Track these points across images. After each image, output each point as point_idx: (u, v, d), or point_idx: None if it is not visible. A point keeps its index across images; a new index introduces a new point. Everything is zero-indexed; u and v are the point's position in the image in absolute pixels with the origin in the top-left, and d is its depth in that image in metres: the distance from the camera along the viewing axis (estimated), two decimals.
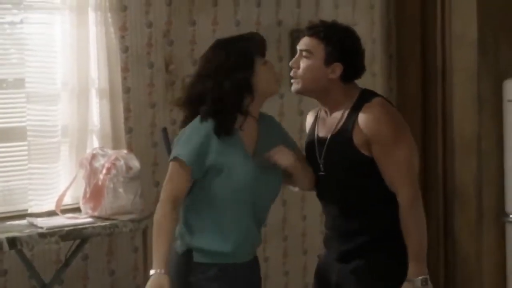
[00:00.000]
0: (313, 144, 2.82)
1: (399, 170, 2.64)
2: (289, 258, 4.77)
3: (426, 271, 2.64)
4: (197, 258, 2.65)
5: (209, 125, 2.62)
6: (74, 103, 3.88)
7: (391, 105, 2.79)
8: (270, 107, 4.50)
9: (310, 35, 2.73)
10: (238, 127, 2.65)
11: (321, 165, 2.77)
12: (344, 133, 2.71)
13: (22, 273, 3.79)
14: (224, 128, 2.62)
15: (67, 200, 3.86)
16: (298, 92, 2.77)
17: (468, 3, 4.05)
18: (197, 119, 2.66)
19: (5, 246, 3.33)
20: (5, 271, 3.82)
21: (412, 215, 2.64)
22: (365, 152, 2.68)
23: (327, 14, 4.76)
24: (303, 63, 2.71)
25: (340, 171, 2.73)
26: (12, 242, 3.35)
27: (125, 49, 4.10)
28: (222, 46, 2.69)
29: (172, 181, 2.64)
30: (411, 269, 2.61)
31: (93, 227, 3.55)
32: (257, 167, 2.65)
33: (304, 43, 2.75)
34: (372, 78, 4.99)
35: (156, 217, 2.62)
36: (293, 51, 4.63)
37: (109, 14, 3.92)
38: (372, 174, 2.68)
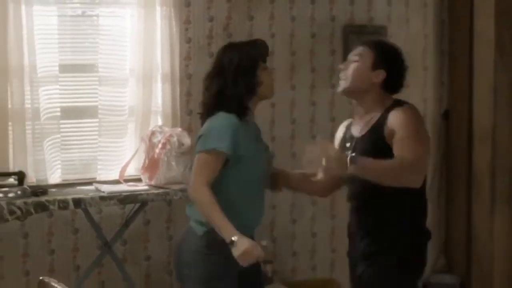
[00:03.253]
0: (344, 143, 3.11)
1: (412, 149, 2.81)
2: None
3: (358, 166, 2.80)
4: (218, 236, 2.91)
5: (235, 121, 2.97)
6: (140, 86, 4.37)
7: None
8: (322, 96, 4.94)
9: (363, 44, 3.07)
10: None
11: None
12: (376, 131, 2.96)
13: (91, 233, 4.34)
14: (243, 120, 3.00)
15: (131, 171, 4.37)
16: (344, 90, 3.07)
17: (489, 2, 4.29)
18: (222, 113, 2.99)
19: (71, 205, 3.87)
20: (77, 230, 4.42)
21: (397, 170, 2.80)
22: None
23: (380, 11, 5.09)
24: (352, 66, 3.03)
25: None
26: (77, 202, 3.88)
27: (188, 40, 4.57)
28: (234, 49, 3.06)
29: (209, 169, 2.93)
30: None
31: (147, 194, 4.03)
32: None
33: (355, 51, 3.08)
34: (424, 72, 5.26)
35: (204, 199, 2.91)
36: (345, 46, 4.93)
37: (172, 9, 4.41)
38: None
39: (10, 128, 4.12)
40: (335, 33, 4.97)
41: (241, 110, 3.02)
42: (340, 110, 4.99)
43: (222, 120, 2.99)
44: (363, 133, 3.03)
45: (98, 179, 4.34)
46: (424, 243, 3.07)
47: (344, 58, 4.96)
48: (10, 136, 4.13)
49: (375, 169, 2.83)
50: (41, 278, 2.91)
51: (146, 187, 4.13)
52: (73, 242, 4.42)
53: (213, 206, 2.91)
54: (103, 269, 4.46)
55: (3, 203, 3.75)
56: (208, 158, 2.96)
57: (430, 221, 5.15)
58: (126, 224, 4.30)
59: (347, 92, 3.08)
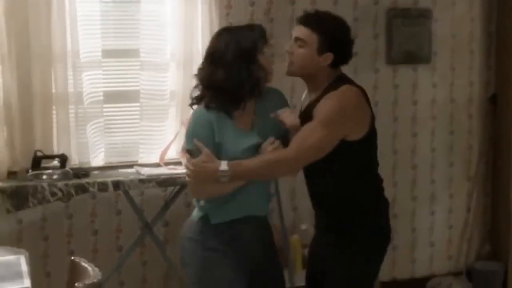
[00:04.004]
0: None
1: (303, 139, 2.85)
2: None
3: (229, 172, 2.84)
4: (214, 220, 2.94)
5: (209, 113, 2.90)
6: (181, 71, 4.42)
7: (360, 97, 2.94)
8: (365, 80, 4.92)
9: (305, 25, 2.96)
10: (235, 109, 2.91)
11: None
12: (306, 113, 2.98)
13: (133, 214, 4.41)
14: (227, 110, 2.90)
15: (173, 154, 4.44)
16: (290, 74, 3.04)
17: None
18: (198, 110, 2.95)
19: (110, 187, 4.00)
20: (119, 211, 4.53)
21: (272, 163, 2.86)
22: None
23: None
24: (297, 51, 2.96)
25: None
26: (116, 184, 4.00)
27: (229, 24, 4.62)
28: (229, 35, 2.90)
29: None
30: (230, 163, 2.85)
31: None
32: (250, 140, 2.92)
33: (299, 31, 2.97)
34: (470, 55, 5.17)
35: (202, 191, 2.98)
36: (388, 30, 4.91)
37: None
38: (343, 158, 2.91)
39: (54, 112, 4.25)
40: (379, 16, 4.92)
41: (228, 101, 2.91)
42: (384, 94, 4.98)
43: (196, 118, 2.96)
44: (302, 111, 3.05)
45: (139, 162, 4.43)
46: (386, 220, 3.07)
47: (388, 42, 4.99)
48: (54, 120, 4.26)
49: (247, 171, 2.86)
50: (72, 258, 3.01)
51: (184, 170, 4.18)
52: (116, 223, 4.54)
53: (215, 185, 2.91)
54: (146, 250, 4.57)
55: (45, 185, 3.89)
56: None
57: (475, 208, 5.18)
58: (166, 206, 4.39)
59: (294, 75, 3.05)
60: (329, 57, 2.96)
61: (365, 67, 4.91)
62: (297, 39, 2.99)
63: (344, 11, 4.79)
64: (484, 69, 5.19)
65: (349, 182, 2.99)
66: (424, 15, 4.98)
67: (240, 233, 2.98)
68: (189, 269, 3.01)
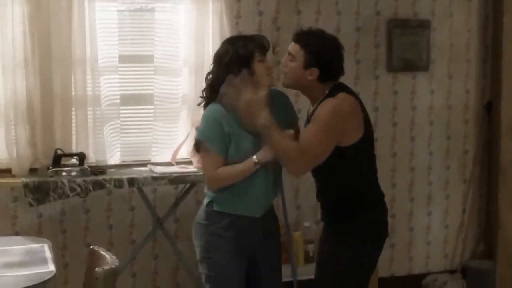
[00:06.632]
0: None
1: (306, 140, 3.12)
2: None
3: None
4: (216, 207, 3.28)
5: (217, 111, 3.21)
6: (192, 76, 4.69)
7: (354, 104, 3.19)
8: (366, 87, 5.14)
9: (296, 41, 3.28)
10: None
11: None
12: (308, 123, 3.27)
13: (146, 210, 4.69)
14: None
15: (184, 154, 4.72)
16: (285, 86, 3.35)
17: None
18: (207, 109, 3.27)
19: (126, 184, 4.28)
20: (133, 207, 4.82)
21: (281, 148, 3.12)
22: None
23: (424, 5, 5.26)
24: (289, 64, 3.28)
25: None
26: (131, 182, 4.28)
27: (238, 34, 4.88)
28: (232, 42, 3.28)
29: (212, 161, 3.24)
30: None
31: (195, 175, 4.38)
32: (255, 136, 3.20)
33: (290, 47, 3.30)
34: (467, 64, 5.41)
35: (221, 181, 3.24)
36: (389, 39, 5.17)
37: (223, 5, 4.71)
38: (334, 161, 3.17)
39: (73, 113, 4.53)
40: (380, 27, 5.17)
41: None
42: (384, 100, 5.24)
43: (205, 116, 3.26)
44: (304, 124, 3.34)
45: (152, 161, 4.71)
46: (378, 214, 3.33)
47: (388, 50, 5.24)
48: (74, 121, 4.54)
49: (273, 144, 3.14)
50: (91, 247, 3.29)
51: (195, 169, 4.46)
52: (130, 218, 4.82)
53: (227, 173, 3.21)
54: (157, 244, 4.85)
55: (65, 181, 4.17)
56: (206, 155, 3.28)
57: (470, 209, 5.43)
58: (177, 203, 4.66)
59: (288, 86, 3.36)
60: (314, 72, 3.23)
61: (367, 74, 5.18)
62: (289, 53, 3.30)
63: (347, 21, 5.10)
64: (480, 77, 5.43)
65: (338, 181, 3.27)
66: (423, 26, 5.24)
67: (236, 222, 3.27)
68: (197, 249, 3.39)
